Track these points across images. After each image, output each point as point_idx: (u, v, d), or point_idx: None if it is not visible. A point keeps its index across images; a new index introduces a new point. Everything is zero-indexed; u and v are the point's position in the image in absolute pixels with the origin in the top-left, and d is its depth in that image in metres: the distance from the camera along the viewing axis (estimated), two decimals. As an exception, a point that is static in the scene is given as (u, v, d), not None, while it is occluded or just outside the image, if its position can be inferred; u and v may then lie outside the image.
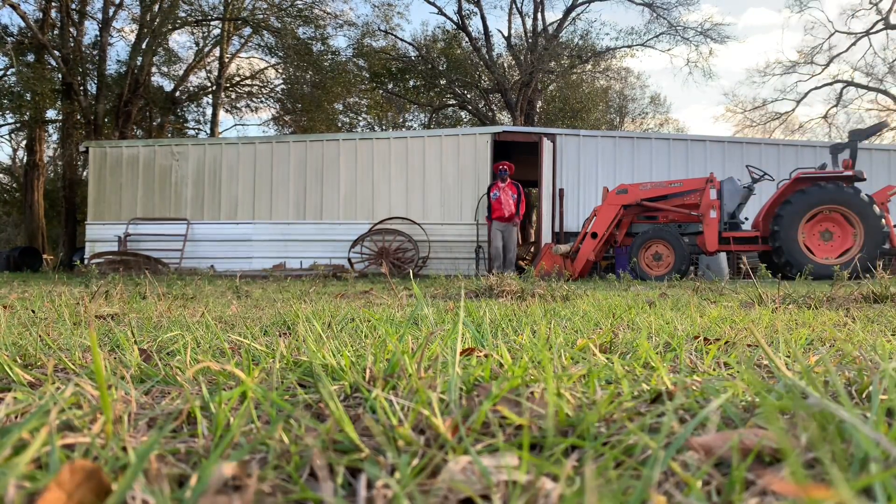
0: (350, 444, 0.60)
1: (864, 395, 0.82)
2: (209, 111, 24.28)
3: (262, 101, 25.25)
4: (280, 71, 24.32)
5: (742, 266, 10.89)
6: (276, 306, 2.70)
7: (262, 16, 21.52)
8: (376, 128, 27.80)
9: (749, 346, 1.34)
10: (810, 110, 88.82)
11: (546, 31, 24.65)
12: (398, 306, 2.58)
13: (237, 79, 24.68)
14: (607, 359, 1.01)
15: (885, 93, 26.08)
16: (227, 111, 25.37)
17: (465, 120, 27.14)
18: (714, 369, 1.03)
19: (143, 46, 19.77)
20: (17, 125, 21.40)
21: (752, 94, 47.15)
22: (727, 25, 47.03)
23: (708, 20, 25.27)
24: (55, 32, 19.43)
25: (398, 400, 0.71)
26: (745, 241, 8.51)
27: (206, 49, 23.31)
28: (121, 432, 0.63)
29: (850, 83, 26.89)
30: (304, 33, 22.02)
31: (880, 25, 25.28)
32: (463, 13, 24.12)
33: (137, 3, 20.58)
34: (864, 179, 8.18)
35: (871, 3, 25.28)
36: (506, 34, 25.09)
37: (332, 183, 12.34)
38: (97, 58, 19.89)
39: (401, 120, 28.34)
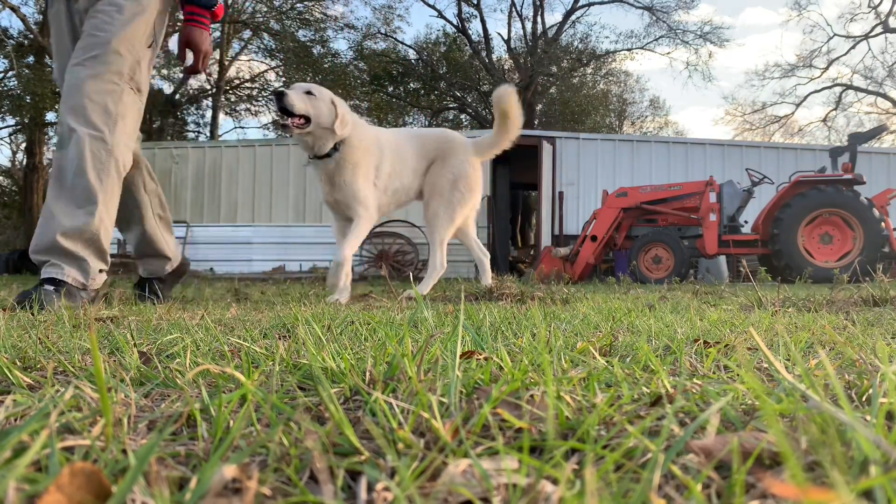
0: (350, 446, 0.60)
1: (864, 399, 0.82)
2: (209, 114, 24.32)
3: (262, 104, 25.27)
4: (280, 73, 24.35)
5: (742, 269, 10.88)
6: (275, 309, 2.69)
7: (262, 19, 21.55)
8: (376, 130, 27.76)
9: (749, 349, 1.34)
10: (809, 113, 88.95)
11: (546, 34, 24.71)
12: (398, 309, 2.58)
13: (237, 81, 24.70)
14: (607, 362, 1.01)
15: (885, 96, 26.12)
16: (226, 114, 25.40)
17: (465, 123, 27.17)
18: (714, 372, 1.03)
19: (144, 49, 19.74)
20: (17, 127, 21.40)
21: (752, 97, 47.18)
22: (726, 29, 47.11)
23: (707, 23, 25.29)
24: (55, 35, 19.42)
25: (398, 403, 0.71)
26: (744, 245, 8.51)
27: (206, 52, 23.30)
28: (120, 435, 0.63)
29: (849, 86, 26.93)
30: (304, 36, 22.07)
31: (879, 29, 25.33)
32: (463, 16, 24.18)
33: (138, 5, 20.57)
34: (864, 183, 8.19)
35: (870, 6, 25.34)
36: (506, 37, 25.15)
37: (332, 186, 12.30)
38: (97, 60, 19.86)
39: (401, 122, 28.36)
